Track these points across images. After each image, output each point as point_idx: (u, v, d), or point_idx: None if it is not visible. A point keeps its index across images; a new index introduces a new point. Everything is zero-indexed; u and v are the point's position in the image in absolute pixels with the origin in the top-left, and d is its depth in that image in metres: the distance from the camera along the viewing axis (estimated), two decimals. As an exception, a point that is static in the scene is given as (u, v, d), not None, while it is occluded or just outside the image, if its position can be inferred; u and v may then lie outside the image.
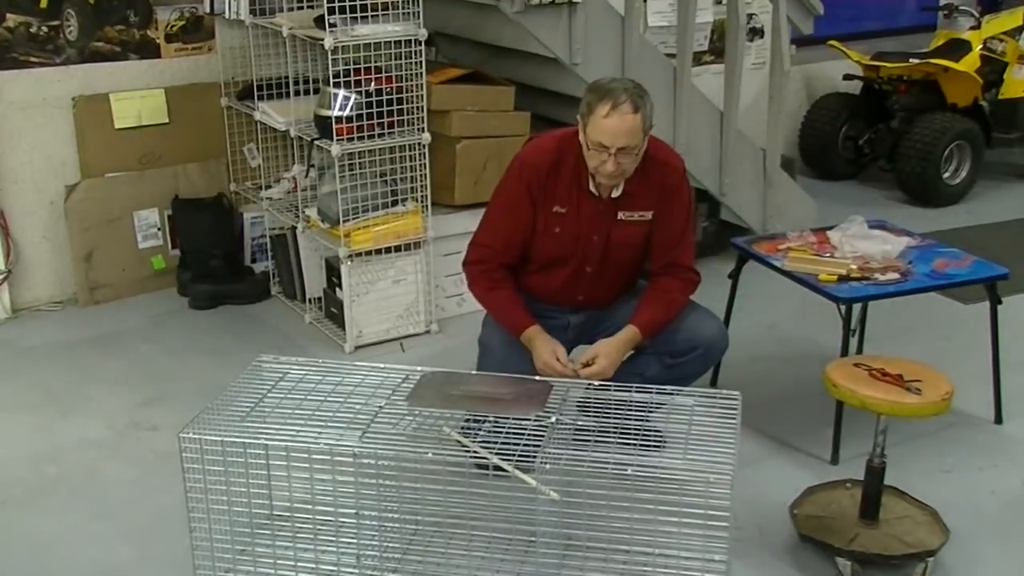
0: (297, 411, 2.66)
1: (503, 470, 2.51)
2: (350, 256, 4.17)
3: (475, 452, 2.58)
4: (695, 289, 3.34)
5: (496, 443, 2.53)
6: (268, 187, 4.79)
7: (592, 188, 3.20)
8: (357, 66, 4.10)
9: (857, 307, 3.51)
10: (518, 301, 3.30)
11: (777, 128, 5.11)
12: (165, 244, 4.88)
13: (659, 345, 3.29)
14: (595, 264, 3.30)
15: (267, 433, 2.58)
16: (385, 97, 4.05)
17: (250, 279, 4.84)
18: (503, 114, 4.50)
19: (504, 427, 2.59)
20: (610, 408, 2.72)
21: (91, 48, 4.64)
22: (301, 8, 4.40)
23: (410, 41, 4.07)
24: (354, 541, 2.69)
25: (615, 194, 3.21)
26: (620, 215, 3.24)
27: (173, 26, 4.80)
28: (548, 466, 2.48)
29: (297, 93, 4.33)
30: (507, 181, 3.30)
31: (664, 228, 3.27)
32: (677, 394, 2.76)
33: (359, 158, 4.11)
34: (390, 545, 2.84)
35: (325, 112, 4.05)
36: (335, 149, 4.00)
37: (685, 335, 3.28)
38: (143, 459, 3.53)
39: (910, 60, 6.14)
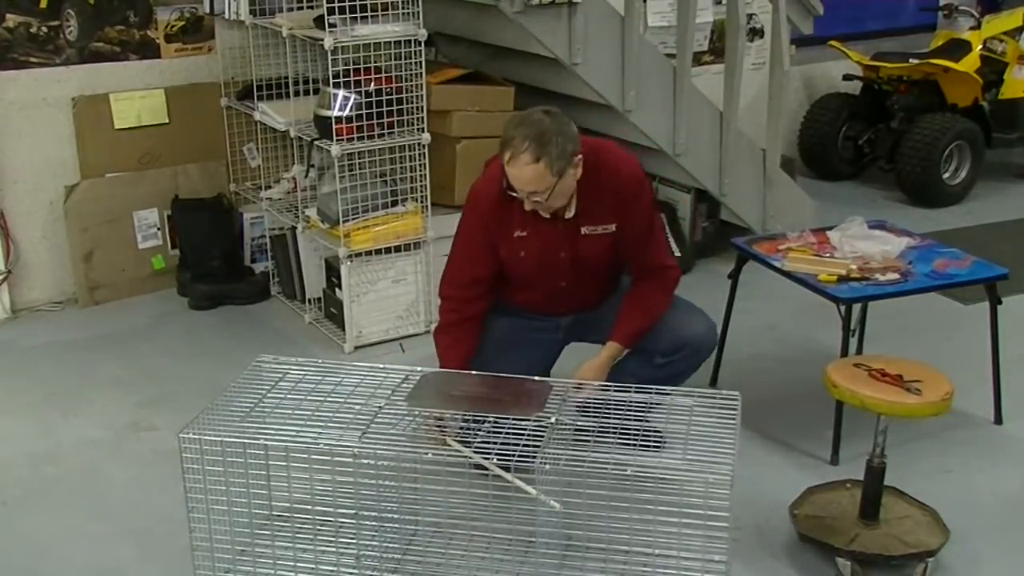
0: (297, 411, 2.66)
1: (501, 470, 2.51)
2: (350, 256, 4.17)
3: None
4: (676, 283, 3.32)
5: (495, 443, 2.54)
6: (268, 187, 4.79)
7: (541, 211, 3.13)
8: (357, 66, 4.10)
9: (857, 307, 3.50)
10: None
11: (777, 128, 5.10)
12: (165, 244, 4.88)
13: (648, 344, 3.28)
14: (568, 279, 3.26)
15: (267, 433, 2.58)
16: (385, 97, 4.05)
17: (250, 279, 4.84)
18: (503, 114, 4.48)
19: (504, 428, 2.59)
20: (609, 408, 2.72)
21: (91, 48, 4.64)
22: (301, 8, 4.40)
23: (410, 41, 4.07)
24: (354, 541, 2.69)
25: (567, 215, 3.14)
26: (584, 230, 3.17)
27: (173, 26, 4.80)
28: (547, 467, 2.48)
29: (297, 93, 4.33)
30: (464, 216, 3.26)
31: (629, 237, 3.22)
32: (676, 394, 2.76)
33: (359, 158, 4.11)
34: (390, 545, 2.84)
35: (325, 112, 4.05)
36: (335, 149, 4.00)
37: (672, 335, 3.27)
38: (143, 459, 3.53)
39: (910, 60, 6.14)
